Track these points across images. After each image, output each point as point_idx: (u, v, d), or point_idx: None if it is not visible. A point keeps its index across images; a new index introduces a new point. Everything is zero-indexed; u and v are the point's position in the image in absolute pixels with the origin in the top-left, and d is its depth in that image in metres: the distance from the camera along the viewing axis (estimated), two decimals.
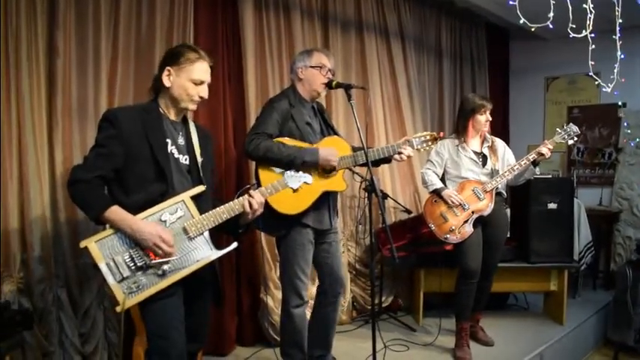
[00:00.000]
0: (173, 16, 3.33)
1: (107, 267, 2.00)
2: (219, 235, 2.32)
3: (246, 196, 2.24)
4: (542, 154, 3.47)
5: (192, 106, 2.24)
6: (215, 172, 2.46)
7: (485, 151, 3.66)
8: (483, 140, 3.68)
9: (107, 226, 2.04)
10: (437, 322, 4.06)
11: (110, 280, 1.99)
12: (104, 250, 2.01)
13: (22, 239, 2.74)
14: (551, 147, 3.49)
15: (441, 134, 3.09)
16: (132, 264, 2.02)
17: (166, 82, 2.17)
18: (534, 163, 3.54)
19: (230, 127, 3.67)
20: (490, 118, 3.62)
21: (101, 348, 2.96)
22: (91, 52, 2.98)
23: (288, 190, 2.41)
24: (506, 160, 3.68)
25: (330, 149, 2.80)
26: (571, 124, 3.62)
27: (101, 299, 2.97)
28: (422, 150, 3.04)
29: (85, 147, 2.95)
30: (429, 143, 3.04)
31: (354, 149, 2.98)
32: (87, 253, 2.02)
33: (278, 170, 2.72)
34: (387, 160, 3.04)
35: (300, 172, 2.41)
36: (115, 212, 2.01)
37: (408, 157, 2.96)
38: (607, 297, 5.06)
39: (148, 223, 2.05)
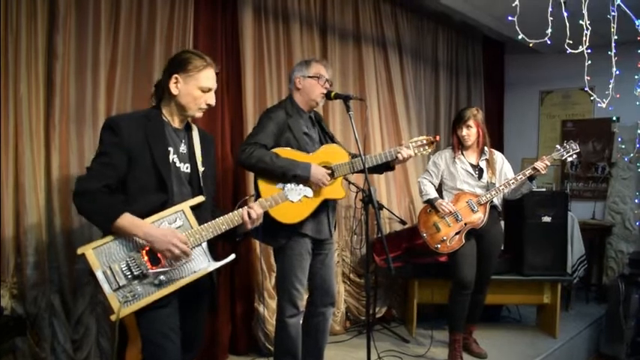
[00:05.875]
0: (173, 22, 3.33)
1: (103, 275, 1.98)
2: (216, 245, 2.31)
3: (245, 207, 2.23)
4: (537, 170, 3.50)
5: (199, 114, 2.22)
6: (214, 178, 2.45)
7: (483, 164, 3.67)
8: (481, 153, 3.70)
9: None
10: (430, 333, 4.06)
11: (106, 288, 1.97)
12: (101, 257, 1.99)
13: (16, 244, 2.72)
14: (548, 163, 3.51)
15: (437, 138, 3.11)
16: (128, 272, 2.00)
17: (174, 90, 2.14)
18: (530, 178, 3.57)
19: (227, 135, 3.67)
20: (466, 133, 3.60)
21: (93, 355, 2.93)
22: (90, 56, 2.98)
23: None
24: (504, 174, 3.70)
25: (324, 170, 2.79)
26: (571, 141, 3.65)
27: (94, 306, 2.94)
28: (419, 154, 3.06)
29: (82, 152, 2.95)
30: (426, 147, 3.06)
31: (352, 156, 2.99)
32: (84, 260, 2.00)
33: (279, 184, 2.72)
34: (389, 167, 3.05)
35: (301, 186, 2.40)
36: (126, 218, 1.98)
37: (408, 157, 2.97)
38: (599, 310, 5.10)
39: (159, 227, 2.04)
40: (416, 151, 3.03)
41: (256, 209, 2.24)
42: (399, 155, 2.95)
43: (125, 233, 2.00)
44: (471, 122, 3.59)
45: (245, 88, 3.72)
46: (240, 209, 2.23)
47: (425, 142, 3.06)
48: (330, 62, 4.09)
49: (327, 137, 3.07)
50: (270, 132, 2.81)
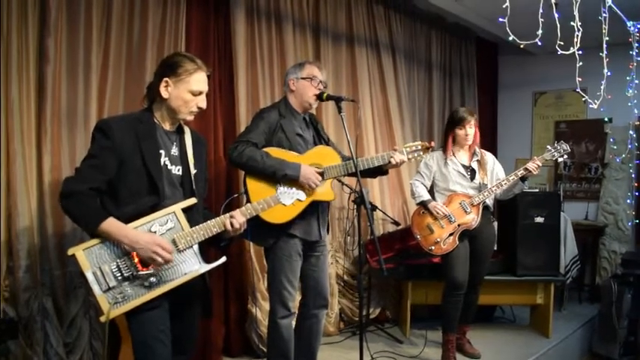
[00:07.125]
0: (165, 25, 3.33)
1: (93, 276, 1.98)
2: (208, 248, 2.31)
3: (228, 215, 2.22)
4: (529, 170, 3.51)
5: (190, 117, 2.22)
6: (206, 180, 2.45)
7: (474, 165, 3.68)
8: (472, 154, 3.71)
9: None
10: (424, 334, 4.06)
11: (96, 289, 1.97)
12: (91, 258, 1.99)
13: (8, 247, 2.70)
14: (539, 164, 3.52)
15: (432, 143, 3.11)
16: (119, 274, 2.00)
17: (164, 93, 2.14)
18: (522, 179, 3.58)
19: (220, 137, 3.67)
20: (469, 133, 3.61)
21: (86, 358, 2.92)
22: (81, 59, 2.97)
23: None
24: (495, 175, 3.72)
25: (314, 170, 2.79)
26: (562, 141, 3.66)
27: (87, 309, 2.93)
28: (412, 160, 3.06)
29: (73, 155, 2.94)
30: (420, 153, 3.06)
31: (345, 158, 2.99)
32: (74, 260, 1.99)
33: (269, 184, 2.73)
34: (382, 171, 3.06)
35: (294, 189, 2.41)
36: (112, 223, 1.98)
37: (401, 162, 2.97)
38: (592, 310, 5.10)
39: (144, 232, 2.03)
40: (410, 157, 3.02)
41: (238, 218, 2.23)
42: (392, 160, 2.95)
43: (110, 238, 2.00)
44: (473, 122, 3.60)
45: (238, 91, 3.72)
46: (223, 216, 2.22)
47: (419, 147, 3.05)
48: (323, 64, 4.10)
49: (321, 140, 3.07)
50: (262, 131, 2.82)
